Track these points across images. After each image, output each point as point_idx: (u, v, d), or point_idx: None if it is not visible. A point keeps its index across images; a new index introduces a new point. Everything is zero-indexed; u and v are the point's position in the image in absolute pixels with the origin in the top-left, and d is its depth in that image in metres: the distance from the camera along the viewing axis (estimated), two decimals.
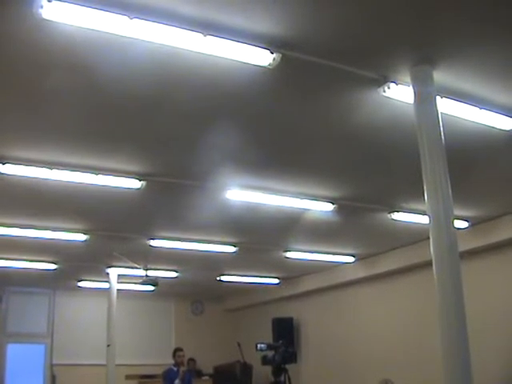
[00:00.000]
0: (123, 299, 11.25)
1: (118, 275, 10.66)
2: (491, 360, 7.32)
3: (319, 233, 8.41)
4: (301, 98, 4.51)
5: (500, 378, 7.38)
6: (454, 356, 3.74)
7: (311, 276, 11.28)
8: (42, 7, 3.15)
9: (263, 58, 3.75)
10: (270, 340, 10.20)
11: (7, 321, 12.07)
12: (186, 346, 9.15)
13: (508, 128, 4.91)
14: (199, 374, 12.58)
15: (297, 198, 6.75)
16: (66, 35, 3.52)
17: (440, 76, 4.11)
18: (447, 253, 3.93)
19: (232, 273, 11.26)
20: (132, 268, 9.59)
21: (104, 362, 10.39)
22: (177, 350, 8.56)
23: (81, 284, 11.71)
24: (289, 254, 9.48)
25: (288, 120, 4.92)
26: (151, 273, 9.58)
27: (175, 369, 8.32)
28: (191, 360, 12.34)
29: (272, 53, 3.72)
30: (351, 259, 9.97)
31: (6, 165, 5.44)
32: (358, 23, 3.61)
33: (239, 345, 7.92)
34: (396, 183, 6.50)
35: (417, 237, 8.10)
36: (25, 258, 9.48)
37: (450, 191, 4.05)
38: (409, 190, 6.21)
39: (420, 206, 6.09)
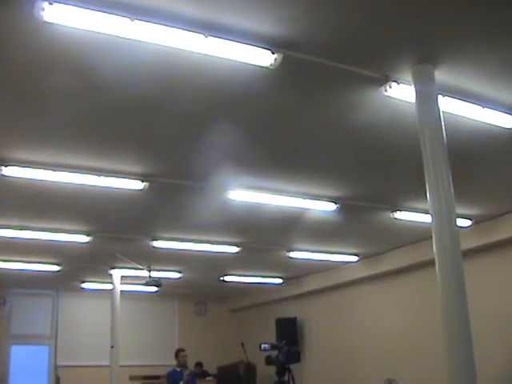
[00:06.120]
0: (127, 300, 11.26)
1: (122, 276, 10.65)
2: (494, 358, 7.30)
3: (322, 232, 8.41)
4: (302, 97, 4.52)
5: (503, 376, 7.38)
6: (457, 354, 3.74)
7: (314, 276, 11.28)
8: (43, 10, 3.17)
9: (265, 58, 3.75)
10: (274, 340, 10.19)
11: (11, 322, 12.10)
12: (189, 347, 9.14)
13: (510, 126, 4.90)
14: (203, 374, 12.57)
15: (299, 197, 6.76)
16: (67, 37, 3.53)
17: (441, 75, 4.11)
18: (450, 251, 3.93)
19: (235, 273, 11.27)
20: (135, 269, 9.59)
21: (108, 363, 10.38)
22: (179, 351, 8.53)
23: (84, 285, 11.74)
24: (292, 254, 9.48)
25: (290, 120, 4.92)
26: (154, 274, 9.55)
27: (178, 370, 8.31)
28: (198, 364, 12.32)
29: (273, 53, 3.73)
30: (354, 258, 9.97)
31: (9, 167, 5.46)
32: (359, 23, 3.61)
33: (243, 345, 7.91)
34: (398, 182, 6.49)
35: (419, 236, 8.09)
36: (28, 259, 9.50)
37: (452, 190, 4.05)
38: (411, 188, 6.22)
39: (422, 205, 6.06)
